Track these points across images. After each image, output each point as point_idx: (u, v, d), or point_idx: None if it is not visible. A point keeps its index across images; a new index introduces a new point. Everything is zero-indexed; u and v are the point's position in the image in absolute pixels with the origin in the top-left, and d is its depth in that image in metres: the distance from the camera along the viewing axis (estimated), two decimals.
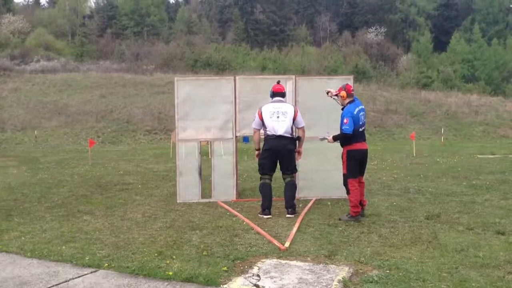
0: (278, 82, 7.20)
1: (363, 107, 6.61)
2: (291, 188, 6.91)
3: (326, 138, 6.73)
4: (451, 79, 44.73)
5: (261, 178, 6.96)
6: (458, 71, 49.28)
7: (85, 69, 36.87)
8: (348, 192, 6.50)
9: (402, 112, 29.12)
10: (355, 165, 6.47)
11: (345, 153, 6.52)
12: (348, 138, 6.43)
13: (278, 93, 6.99)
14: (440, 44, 60.41)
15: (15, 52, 41.26)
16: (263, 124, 6.85)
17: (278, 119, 6.75)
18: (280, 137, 6.72)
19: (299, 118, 6.91)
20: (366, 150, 6.62)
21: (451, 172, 11.31)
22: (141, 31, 63.04)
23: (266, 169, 6.87)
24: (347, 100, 6.53)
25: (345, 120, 6.34)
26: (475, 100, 32.79)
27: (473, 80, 48.46)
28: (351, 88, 6.59)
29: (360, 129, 6.46)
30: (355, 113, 6.38)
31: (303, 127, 7.00)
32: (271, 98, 7.02)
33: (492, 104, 32.29)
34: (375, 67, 48.14)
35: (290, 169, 6.91)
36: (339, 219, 6.43)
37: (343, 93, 6.52)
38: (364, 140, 6.60)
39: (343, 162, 6.58)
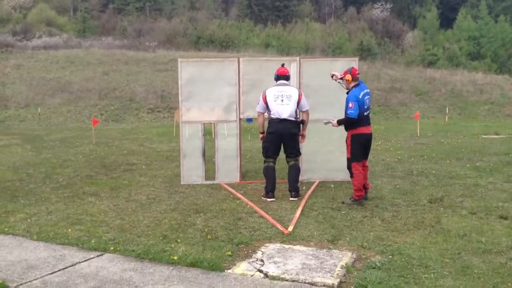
0: (283, 65, 7.14)
1: (368, 90, 6.56)
2: (294, 171, 6.93)
3: (331, 122, 6.70)
4: (456, 57, 44.23)
5: (265, 161, 6.98)
6: (464, 48, 48.71)
7: (88, 45, 36.54)
8: (352, 176, 6.51)
9: (406, 91, 28.88)
10: (359, 149, 6.46)
11: (350, 137, 6.50)
12: (352, 122, 6.40)
13: (282, 76, 6.93)
14: (447, 20, 59.55)
15: (16, 28, 40.93)
16: (267, 108, 6.82)
17: (282, 103, 6.72)
18: (284, 120, 6.70)
19: (303, 101, 6.88)
20: (371, 134, 6.60)
21: (455, 153, 11.29)
22: (143, 7, 62.35)
23: (270, 152, 6.87)
24: (352, 84, 6.47)
25: (350, 104, 6.30)
26: (480, 79, 32.43)
27: (479, 58, 47.95)
28: (357, 72, 6.53)
29: (365, 113, 6.42)
30: (360, 97, 6.33)
31: (307, 110, 6.96)
32: (275, 81, 6.97)
33: (497, 83, 31.95)
34: (380, 44, 47.59)
35: (294, 153, 6.92)
36: (343, 203, 6.46)
37: (348, 76, 6.45)
38: (369, 124, 6.57)
39: (347, 146, 6.57)
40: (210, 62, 8.33)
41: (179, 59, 8.15)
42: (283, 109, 6.70)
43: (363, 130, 6.45)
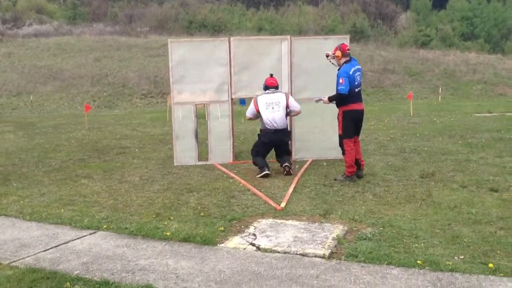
0: (271, 75, 7.37)
1: (359, 67, 6.53)
2: (286, 155, 7.24)
3: (322, 99, 6.70)
4: (449, 37, 44.18)
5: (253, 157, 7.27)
6: (457, 28, 48.64)
7: (79, 32, 36.19)
8: (343, 153, 6.53)
9: (400, 72, 28.84)
10: (350, 125, 6.47)
11: (341, 114, 6.51)
12: (343, 99, 6.39)
13: (271, 87, 7.23)
14: (439, 1, 59.27)
15: (6, 16, 40.44)
16: (259, 116, 7.12)
17: (273, 110, 7.01)
18: (278, 131, 7.03)
19: (292, 102, 7.20)
20: (362, 110, 6.60)
21: (447, 131, 11.34)
22: None
23: (260, 154, 7.16)
24: (343, 60, 6.45)
25: (340, 80, 6.29)
26: (473, 58, 32.42)
27: (472, 38, 47.93)
28: (346, 48, 6.50)
29: (356, 90, 6.40)
30: (350, 73, 6.31)
31: (299, 110, 7.26)
32: (263, 90, 7.28)
33: (490, 62, 31.96)
34: (373, 26, 47.39)
35: (285, 154, 7.25)
36: (335, 179, 6.49)
37: (338, 52, 6.44)
38: (361, 100, 6.56)
39: (338, 122, 6.58)
40: (200, 42, 8.27)
41: (169, 40, 8.08)
42: (275, 116, 6.99)
43: (354, 106, 6.45)
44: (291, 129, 7.81)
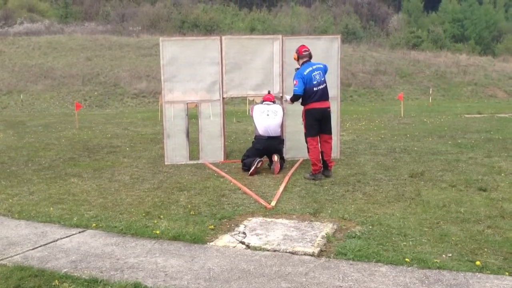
0: (269, 92, 7.67)
1: (319, 66, 6.65)
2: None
3: (287, 99, 6.91)
4: (441, 39, 44.48)
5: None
6: (448, 30, 48.98)
7: (70, 31, 35.99)
8: (308, 151, 6.64)
9: (391, 73, 29.01)
10: (313, 123, 6.61)
11: (303, 113, 6.70)
12: (303, 98, 6.58)
13: (267, 102, 7.48)
14: (431, 3, 59.64)
15: None
16: (254, 124, 7.29)
17: (268, 117, 7.17)
18: (271, 138, 7.15)
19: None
20: (326, 108, 6.64)
21: (437, 132, 11.42)
22: None
23: (251, 158, 7.18)
24: (300, 62, 6.66)
25: (294, 82, 6.53)
26: (464, 60, 32.71)
27: (463, 40, 48.28)
28: (302, 50, 6.68)
29: (315, 88, 6.51)
30: (305, 73, 6.48)
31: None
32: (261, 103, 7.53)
33: (480, 64, 32.26)
34: (365, 27, 47.60)
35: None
36: (304, 177, 6.60)
37: (294, 55, 6.72)
38: (325, 99, 6.62)
39: (302, 121, 6.71)
40: (192, 41, 8.24)
41: (160, 38, 8.06)
42: (270, 122, 7.13)
43: (315, 105, 6.56)
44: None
